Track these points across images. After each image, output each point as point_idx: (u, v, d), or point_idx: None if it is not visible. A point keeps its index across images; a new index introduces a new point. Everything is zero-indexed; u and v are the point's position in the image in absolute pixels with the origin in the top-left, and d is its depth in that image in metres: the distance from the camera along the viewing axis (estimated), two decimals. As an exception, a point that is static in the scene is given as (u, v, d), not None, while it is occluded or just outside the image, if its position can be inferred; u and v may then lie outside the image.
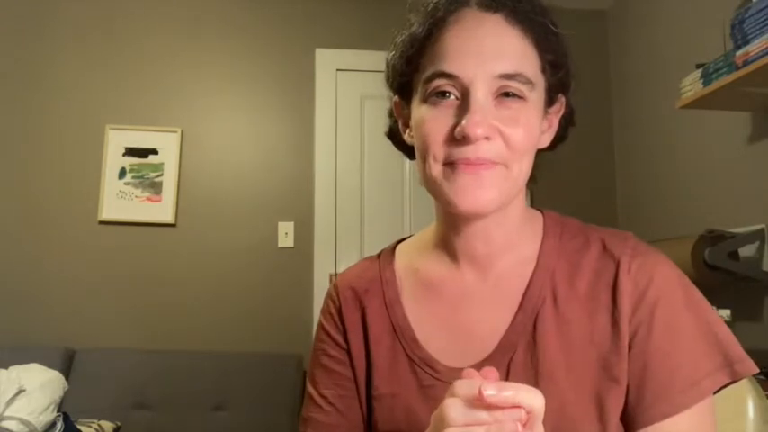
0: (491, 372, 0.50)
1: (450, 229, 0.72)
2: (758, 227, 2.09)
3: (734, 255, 2.11)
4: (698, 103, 2.09)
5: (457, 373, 0.69)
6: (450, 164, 0.65)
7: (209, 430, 2.49)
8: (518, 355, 0.67)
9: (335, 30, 3.10)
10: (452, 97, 0.64)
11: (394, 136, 0.79)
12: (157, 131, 2.92)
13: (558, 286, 0.69)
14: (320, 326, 0.80)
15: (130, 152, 2.89)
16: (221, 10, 3.05)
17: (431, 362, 0.70)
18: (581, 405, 0.64)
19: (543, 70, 0.67)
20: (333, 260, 2.93)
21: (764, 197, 2.11)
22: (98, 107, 2.91)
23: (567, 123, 0.74)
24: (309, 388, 0.79)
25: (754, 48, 1.77)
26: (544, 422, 0.46)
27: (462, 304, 0.71)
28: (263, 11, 3.08)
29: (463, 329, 0.71)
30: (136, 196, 2.87)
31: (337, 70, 3.08)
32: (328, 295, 0.81)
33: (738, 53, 1.83)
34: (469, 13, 0.66)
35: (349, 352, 0.76)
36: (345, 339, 0.76)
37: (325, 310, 0.81)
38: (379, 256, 0.82)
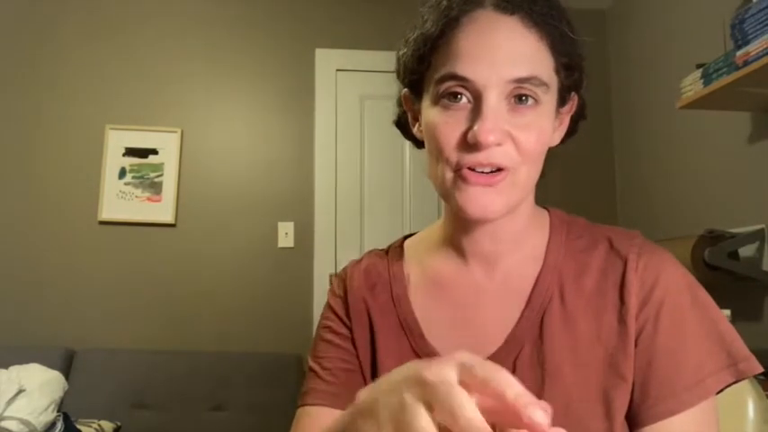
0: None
1: (459, 227, 0.72)
2: (758, 227, 2.09)
3: (734, 255, 2.11)
4: (698, 103, 2.08)
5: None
6: (461, 170, 0.64)
7: (209, 430, 2.49)
8: (525, 352, 0.67)
9: (335, 30, 3.10)
10: (464, 100, 0.63)
11: (402, 126, 0.78)
12: (157, 131, 2.92)
13: (565, 284, 0.69)
14: (328, 305, 0.80)
15: (130, 152, 2.89)
16: (221, 10, 3.05)
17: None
18: (587, 402, 0.64)
19: (557, 71, 0.66)
20: (333, 260, 2.93)
21: (764, 197, 2.11)
22: (98, 107, 2.91)
23: (578, 118, 0.74)
24: (311, 363, 0.77)
25: (754, 48, 1.77)
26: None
27: (470, 301, 0.71)
28: (262, 11, 3.08)
29: (470, 326, 0.71)
30: (136, 196, 2.86)
31: (337, 70, 3.08)
32: (339, 277, 0.81)
33: (739, 53, 1.83)
34: (484, 15, 0.64)
35: (353, 340, 0.75)
36: (350, 326, 0.76)
37: (333, 291, 0.81)
38: (387, 252, 0.82)
